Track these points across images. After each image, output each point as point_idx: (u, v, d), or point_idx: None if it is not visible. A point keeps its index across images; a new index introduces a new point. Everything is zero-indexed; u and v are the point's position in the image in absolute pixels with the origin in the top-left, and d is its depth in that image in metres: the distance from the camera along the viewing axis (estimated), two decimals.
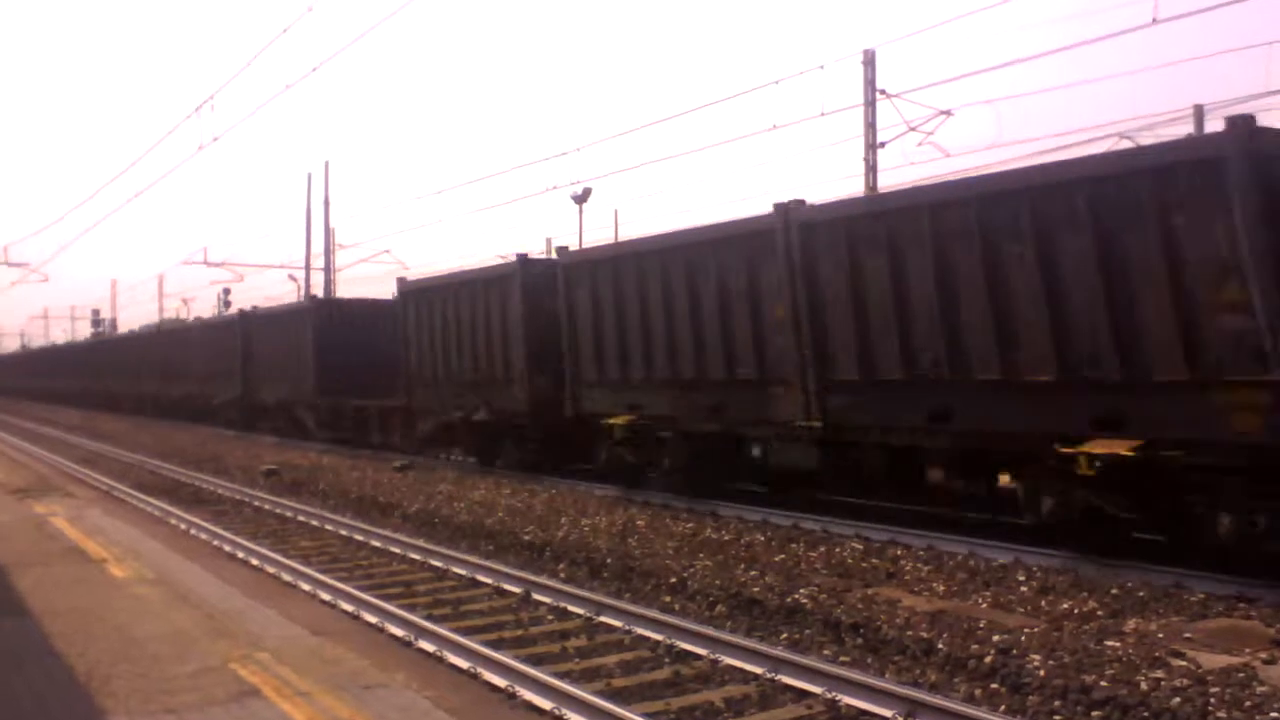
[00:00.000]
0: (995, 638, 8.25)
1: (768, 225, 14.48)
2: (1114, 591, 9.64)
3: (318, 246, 48.08)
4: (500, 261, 25.17)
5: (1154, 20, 16.67)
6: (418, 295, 24.16)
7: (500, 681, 7.87)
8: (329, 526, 16.00)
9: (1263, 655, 7.60)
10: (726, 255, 15.20)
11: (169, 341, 47.32)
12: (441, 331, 22.67)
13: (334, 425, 29.73)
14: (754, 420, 15.06)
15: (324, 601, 10.95)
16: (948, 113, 24.09)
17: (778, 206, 14.43)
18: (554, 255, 21.71)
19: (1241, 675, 7.09)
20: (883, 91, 24.50)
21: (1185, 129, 22.93)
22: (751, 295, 14.75)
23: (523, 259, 20.48)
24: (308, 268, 48.93)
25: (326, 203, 46.92)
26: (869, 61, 24.61)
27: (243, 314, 38.08)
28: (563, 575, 12.05)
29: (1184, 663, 7.46)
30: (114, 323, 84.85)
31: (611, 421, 17.41)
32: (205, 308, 60.34)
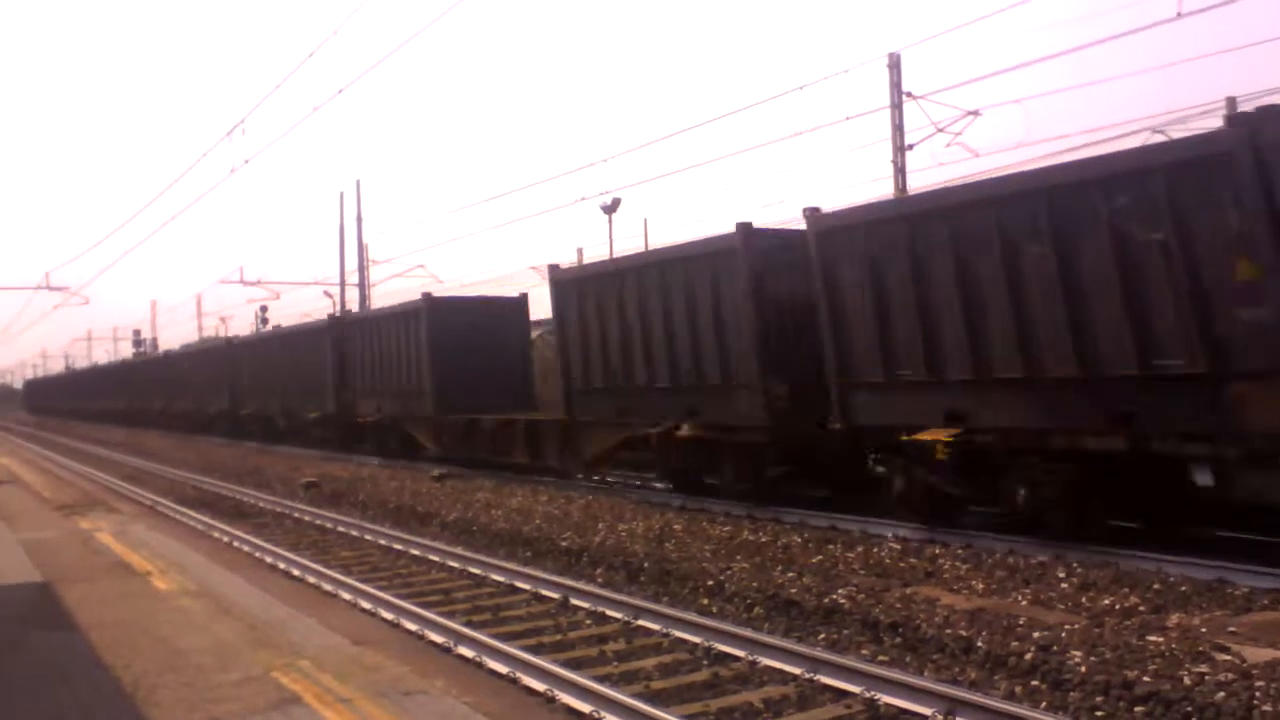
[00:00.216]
0: (1035, 635, 8.19)
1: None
2: (1156, 587, 9.54)
3: (351, 263, 48.58)
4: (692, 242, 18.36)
5: (1179, 14, 16.48)
6: (580, 284, 19.67)
7: (539, 686, 7.91)
8: (368, 536, 16.14)
9: None
10: None
11: (242, 354, 42.11)
12: (619, 327, 18.32)
13: (462, 443, 24.72)
14: None
15: (364, 610, 11.05)
16: (975, 113, 23.91)
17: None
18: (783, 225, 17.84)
19: None
20: (909, 94, 24.40)
21: (1217, 122, 22.60)
22: None
23: (745, 228, 15.87)
24: (342, 284, 49.40)
25: (359, 219, 47.38)
26: (894, 64, 24.51)
27: (334, 319, 34.10)
28: (600, 580, 12.08)
29: (1228, 657, 7.38)
30: (154, 342, 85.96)
31: (927, 438, 12.89)
32: (243, 326, 61.02)
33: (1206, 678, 6.93)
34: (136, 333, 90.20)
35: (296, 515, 19.00)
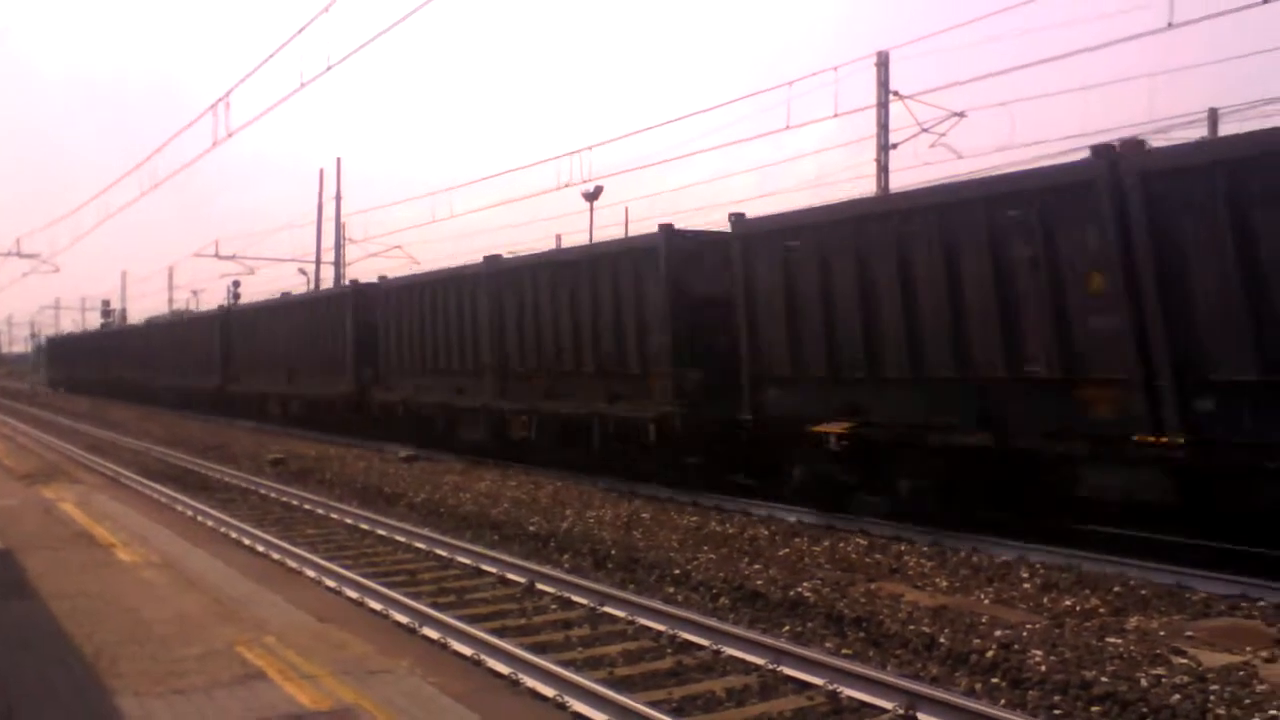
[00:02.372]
0: (997, 633, 8.28)
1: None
2: (1116, 589, 9.67)
3: (327, 241, 48.32)
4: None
5: (1169, 24, 16.62)
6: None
7: (504, 669, 7.93)
8: (334, 515, 16.08)
9: (1263, 654, 7.63)
10: None
11: (236, 324, 38.21)
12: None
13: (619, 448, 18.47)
14: None
15: (329, 588, 11.02)
16: (961, 114, 24.01)
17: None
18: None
19: (1242, 674, 7.12)
20: (895, 93, 24.48)
21: (1200, 132, 22.83)
22: None
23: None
24: (318, 261, 49.18)
25: (338, 198, 47.15)
26: (882, 63, 24.58)
27: (357, 285, 29.74)
28: (567, 566, 12.11)
29: (1185, 660, 7.49)
30: (123, 313, 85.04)
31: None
32: (214, 300, 60.15)
33: (1163, 680, 7.04)
34: (105, 303, 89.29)
35: (262, 491, 18.90)
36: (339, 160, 47.68)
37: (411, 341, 24.76)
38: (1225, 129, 21.17)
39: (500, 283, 20.91)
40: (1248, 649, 7.77)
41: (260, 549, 13.25)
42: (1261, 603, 9.11)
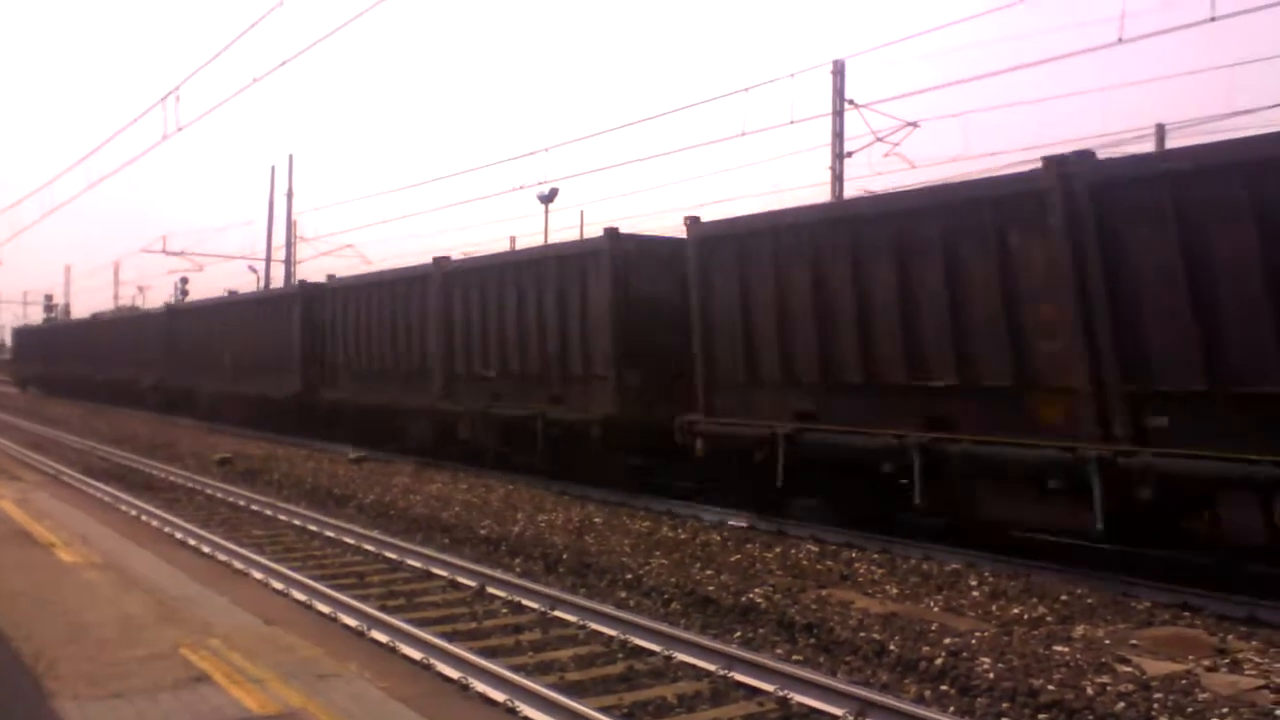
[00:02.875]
0: (946, 641, 8.34)
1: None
2: (1064, 598, 9.78)
3: (279, 239, 47.81)
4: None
5: (1119, 39, 16.91)
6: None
7: (453, 673, 7.85)
8: (282, 516, 15.86)
9: (1206, 663, 7.75)
10: None
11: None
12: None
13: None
14: None
15: (276, 590, 10.87)
16: (915, 124, 24.23)
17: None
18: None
19: (1184, 682, 7.22)
20: (851, 101, 24.62)
21: (1148, 146, 23.19)
22: None
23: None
24: (268, 260, 48.62)
25: (290, 195, 46.70)
26: (838, 71, 24.72)
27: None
28: (518, 570, 12.03)
29: (1129, 668, 7.59)
30: (67, 308, 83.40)
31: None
32: (161, 297, 59.16)
33: (1108, 688, 7.13)
34: (48, 298, 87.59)
35: (209, 491, 18.61)
36: (291, 157, 47.03)
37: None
38: (1171, 144, 21.51)
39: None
40: (1190, 658, 7.89)
41: (206, 550, 13.04)
42: (1205, 612, 9.26)
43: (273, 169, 48.35)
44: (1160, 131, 25.00)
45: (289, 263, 47.63)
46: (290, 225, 47.57)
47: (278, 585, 10.98)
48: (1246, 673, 7.55)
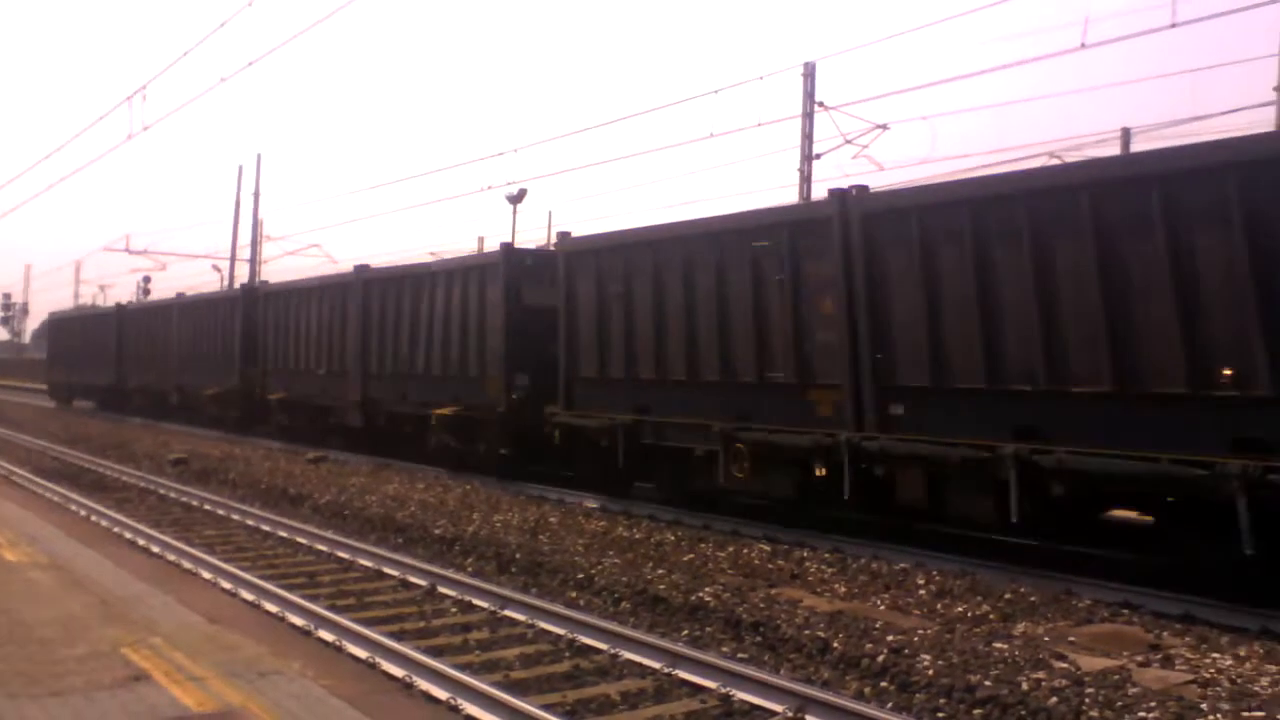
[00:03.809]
0: (889, 638, 8.44)
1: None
2: (1007, 596, 9.92)
3: (244, 238, 47.52)
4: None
5: (1082, 45, 17.13)
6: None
7: (399, 672, 7.86)
8: (235, 516, 15.77)
9: (1139, 659, 7.90)
10: None
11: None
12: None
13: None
14: None
15: (224, 590, 10.81)
16: (884, 127, 24.38)
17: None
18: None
19: (1116, 678, 7.35)
20: (821, 104, 24.76)
21: (1113, 150, 23.46)
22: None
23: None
24: (233, 259, 48.28)
25: (257, 194, 46.45)
26: (809, 74, 24.85)
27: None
28: (470, 569, 12.04)
29: (1065, 665, 7.71)
30: (25, 307, 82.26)
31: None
32: (124, 296, 58.38)
33: (1042, 684, 7.24)
34: (6, 296, 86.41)
35: (161, 492, 18.46)
36: (259, 156, 46.67)
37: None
38: (1137, 147, 21.78)
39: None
40: (1125, 654, 8.03)
41: (155, 550, 12.93)
42: (1143, 610, 9.43)
43: (239, 168, 48.18)
44: (1125, 135, 25.34)
45: (254, 261, 47.33)
46: (256, 224, 47.32)
47: (226, 585, 10.93)
48: (1177, 668, 7.70)
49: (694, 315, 14.46)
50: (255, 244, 47.52)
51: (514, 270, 18.66)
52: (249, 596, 10.38)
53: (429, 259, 25.91)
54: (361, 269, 23.67)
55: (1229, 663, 7.82)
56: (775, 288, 13.33)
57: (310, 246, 45.17)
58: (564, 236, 17.53)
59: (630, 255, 15.58)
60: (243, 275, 46.83)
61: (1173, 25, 15.92)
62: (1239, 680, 7.36)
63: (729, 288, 13.94)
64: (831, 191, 12.95)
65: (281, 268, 47.21)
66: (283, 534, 14.20)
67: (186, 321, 33.44)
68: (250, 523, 15.19)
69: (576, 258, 16.75)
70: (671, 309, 14.81)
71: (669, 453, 15.06)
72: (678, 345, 14.71)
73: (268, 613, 9.83)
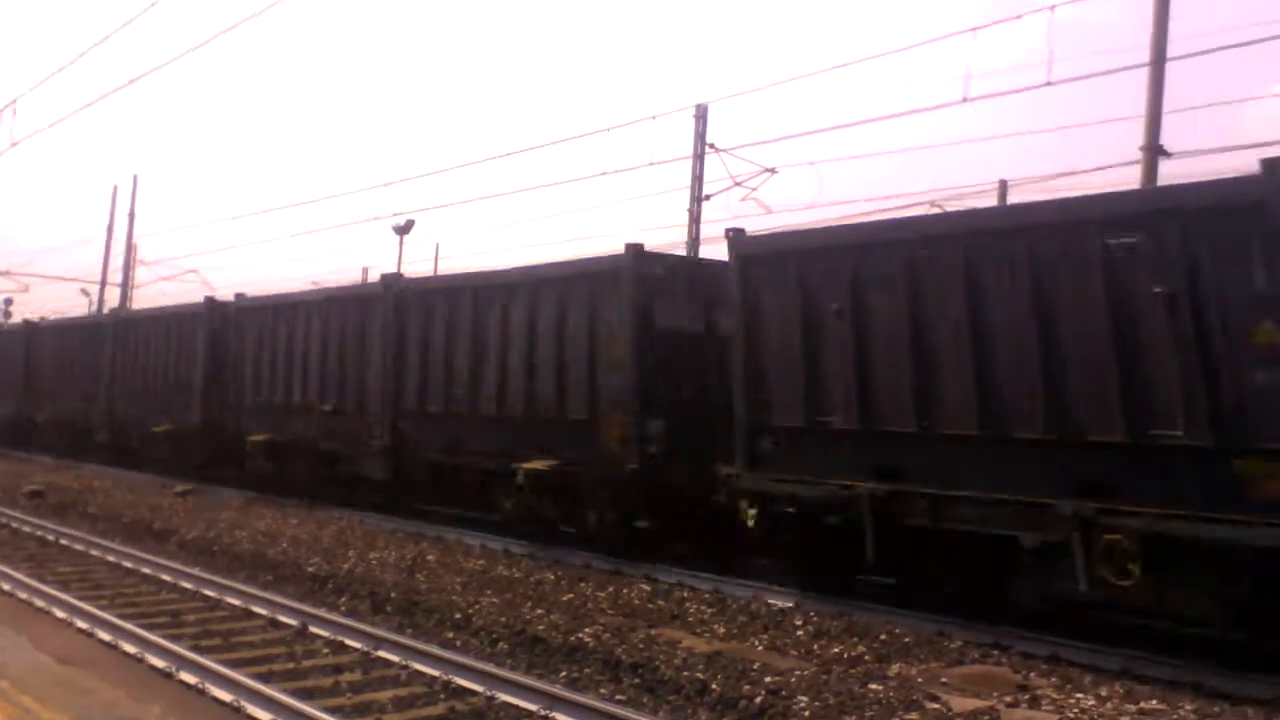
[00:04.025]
0: (767, 679, 8.47)
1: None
2: (883, 637, 10.06)
3: (118, 261, 45.91)
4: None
5: (964, 98, 17.71)
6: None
7: (265, 715, 7.58)
8: (95, 551, 15.06)
9: (1007, 699, 8.09)
10: None
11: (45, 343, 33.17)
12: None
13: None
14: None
15: (80, 629, 10.28)
16: (772, 170, 24.81)
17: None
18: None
19: (986, 718, 7.51)
20: (712, 145, 25.08)
21: (991, 200, 24.31)
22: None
23: (388, 277, 19.25)
24: (103, 283, 46.54)
25: (132, 216, 44.87)
26: (701, 115, 25.15)
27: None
28: (344, 609, 11.70)
29: (937, 705, 7.85)
30: None
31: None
32: None
33: None
34: None
35: (14, 526, 17.52)
36: (135, 178, 45.18)
37: (280, 371, 23.32)
38: (1013, 198, 22.62)
39: (400, 305, 19.80)
40: (994, 694, 8.22)
41: (6, 587, 12.24)
42: (1012, 651, 9.67)
43: (114, 189, 46.42)
44: (1003, 187, 26.32)
45: (126, 285, 45.70)
46: (130, 247, 45.77)
47: (82, 624, 10.39)
48: (1044, 708, 7.91)
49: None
50: (128, 268, 45.94)
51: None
52: (106, 636, 9.89)
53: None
54: (391, 277, 19.31)
55: (1092, 702, 8.06)
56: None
57: (187, 272, 43.70)
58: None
59: (863, 258, 11.58)
60: (113, 300, 45.20)
61: (1048, 83, 16.63)
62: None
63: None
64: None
65: (155, 294, 45.56)
66: (146, 570, 13.61)
67: (126, 342, 27.76)
68: (111, 558, 14.52)
69: (761, 263, 12.70)
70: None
71: (957, 542, 10.79)
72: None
73: (126, 654, 9.38)
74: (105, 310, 42.04)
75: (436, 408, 17.45)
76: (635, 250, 14.52)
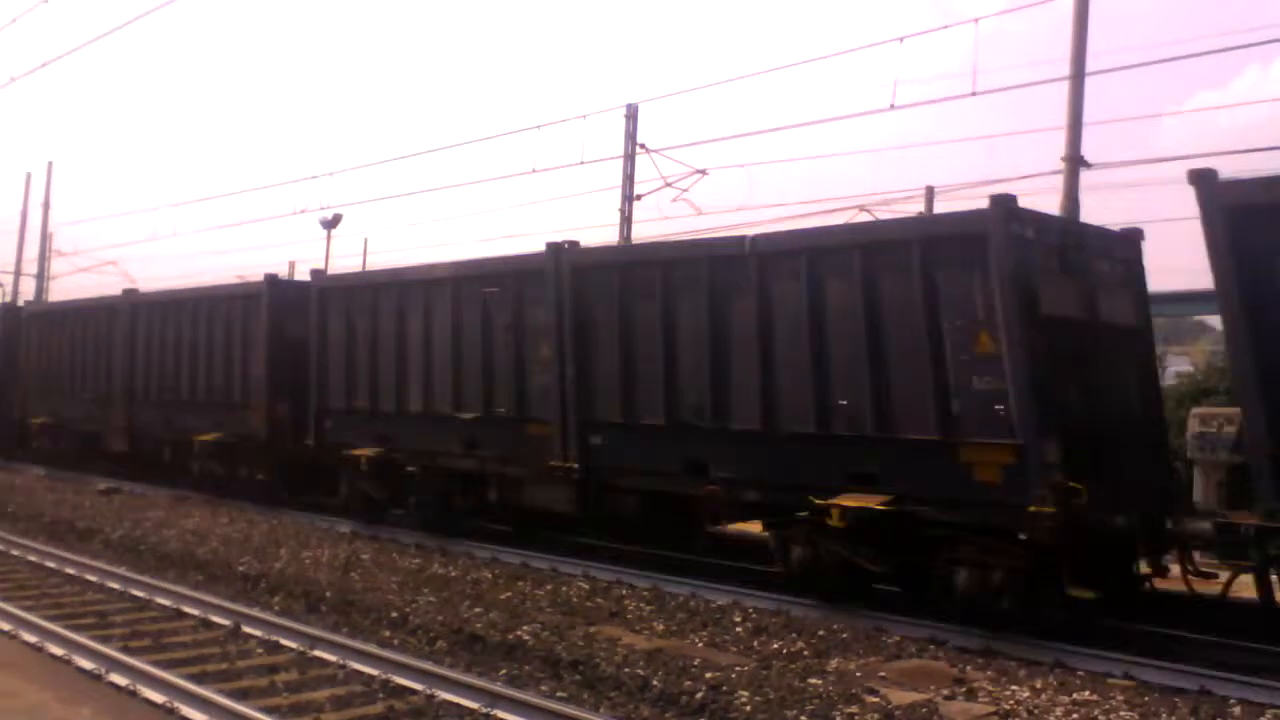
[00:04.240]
0: (708, 675, 8.50)
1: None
2: (821, 633, 10.15)
3: (30, 252, 44.64)
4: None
5: (891, 105, 17.94)
6: (340, 293, 18.27)
7: (199, 716, 7.41)
8: (15, 551, 14.60)
9: (945, 692, 8.21)
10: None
11: None
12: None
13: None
14: None
15: (3, 631, 9.97)
16: (703, 172, 24.86)
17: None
18: None
19: (925, 710, 7.62)
20: (643, 146, 25.08)
21: (918, 207, 24.63)
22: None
23: (270, 278, 20.23)
24: (17, 274, 45.16)
25: (46, 205, 43.70)
26: (631, 115, 25.15)
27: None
28: (277, 608, 11.51)
29: (876, 699, 7.94)
30: None
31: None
32: None
33: (855, 718, 7.42)
34: None
35: None
36: (50, 165, 43.90)
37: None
38: (939, 206, 22.95)
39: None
40: (932, 688, 8.33)
41: None
42: (948, 645, 9.82)
43: (28, 175, 45.07)
44: (930, 193, 26.70)
45: (41, 277, 44.48)
46: (45, 238, 44.53)
47: (5, 626, 10.07)
48: (980, 700, 8.04)
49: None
50: (43, 258, 44.72)
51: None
52: (31, 638, 9.60)
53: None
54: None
55: (1026, 694, 8.22)
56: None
57: (106, 264, 42.62)
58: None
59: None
60: (28, 293, 43.97)
61: (973, 94, 16.91)
62: (1035, 711, 7.74)
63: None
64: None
65: (74, 285, 44.41)
66: (70, 570, 13.24)
67: (147, 330, 23.18)
68: (32, 559, 14.10)
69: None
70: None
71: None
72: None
73: (53, 656, 9.11)
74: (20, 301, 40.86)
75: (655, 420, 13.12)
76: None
